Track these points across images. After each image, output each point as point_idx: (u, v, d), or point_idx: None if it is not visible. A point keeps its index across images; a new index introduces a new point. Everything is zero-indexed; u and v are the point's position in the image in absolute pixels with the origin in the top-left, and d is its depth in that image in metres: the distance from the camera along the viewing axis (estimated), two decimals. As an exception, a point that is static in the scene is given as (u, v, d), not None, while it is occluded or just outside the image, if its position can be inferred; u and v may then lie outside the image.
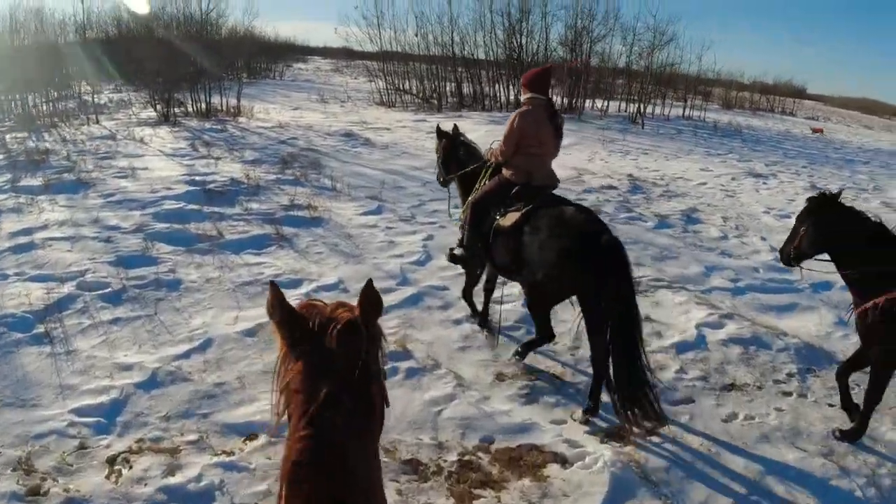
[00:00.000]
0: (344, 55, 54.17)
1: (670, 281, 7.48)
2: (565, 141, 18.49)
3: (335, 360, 1.45)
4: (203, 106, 18.98)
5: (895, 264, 4.05)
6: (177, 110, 18.76)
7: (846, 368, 4.67)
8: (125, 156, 11.97)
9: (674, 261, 8.31)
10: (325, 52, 63.18)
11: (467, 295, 5.64)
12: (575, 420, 4.44)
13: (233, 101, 19.86)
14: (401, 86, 27.40)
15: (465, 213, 5.05)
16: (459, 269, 6.70)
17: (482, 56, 26.99)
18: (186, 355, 4.97)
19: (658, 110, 26.23)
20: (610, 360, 4.08)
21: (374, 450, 1.54)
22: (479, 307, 5.75)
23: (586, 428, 4.37)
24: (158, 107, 17.58)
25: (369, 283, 1.57)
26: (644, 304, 6.67)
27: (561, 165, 14.68)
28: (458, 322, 5.73)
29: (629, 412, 3.97)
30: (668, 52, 26.55)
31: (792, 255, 4.61)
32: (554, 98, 24.99)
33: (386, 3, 33.80)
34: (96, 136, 14.76)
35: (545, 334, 4.65)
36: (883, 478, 4.17)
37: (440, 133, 5.77)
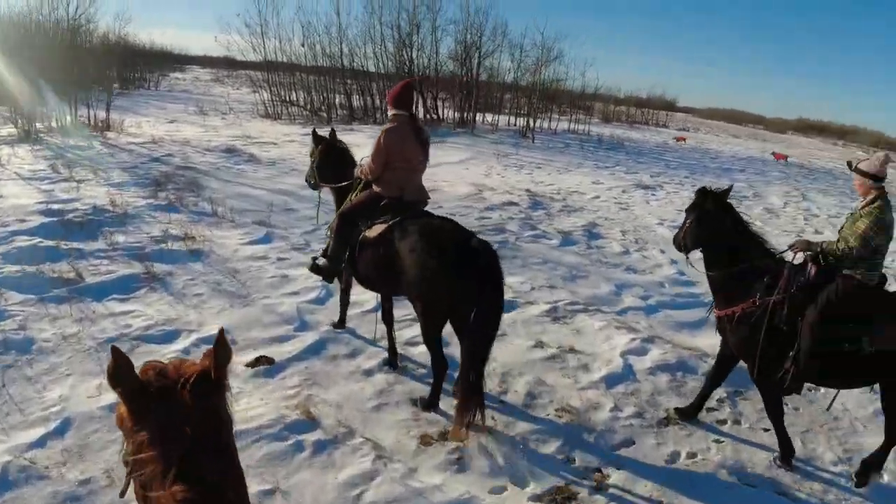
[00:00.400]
0: (225, 65, 51.86)
1: (585, 304, 7.14)
2: (464, 155, 17.59)
3: (188, 418, 1.38)
4: (69, 120, 17.03)
5: (756, 271, 4.22)
6: (39, 125, 16.75)
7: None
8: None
9: (584, 280, 8.01)
10: (205, 62, 60.32)
11: (344, 302, 5.67)
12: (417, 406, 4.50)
13: (102, 115, 18.00)
14: (287, 97, 26.22)
15: (333, 222, 5.00)
16: (366, 306, 6.09)
17: (372, 68, 26.40)
18: (41, 442, 3.87)
19: (546, 124, 26.71)
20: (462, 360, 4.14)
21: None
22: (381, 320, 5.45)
23: (528, 492, 3.79)
24: (21, 124, 15.52)
25: (221, 332, 1.51)
26: (565, 333, 6.31)
27: (461, 180, 14.57)
28: (369, 373, 4.96)
29: (463, 414, 4.07)
30: (554, 69, 27.11)
31: (682, 244, 4.71)
32: (446, 112, 24.56)
33: (270, 11, 32.30)
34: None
35: (439, 364, 4.43)
36: (832, 504, 3.99)
37: (316, 138, 5.67)
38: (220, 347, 1.49)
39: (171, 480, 1.32)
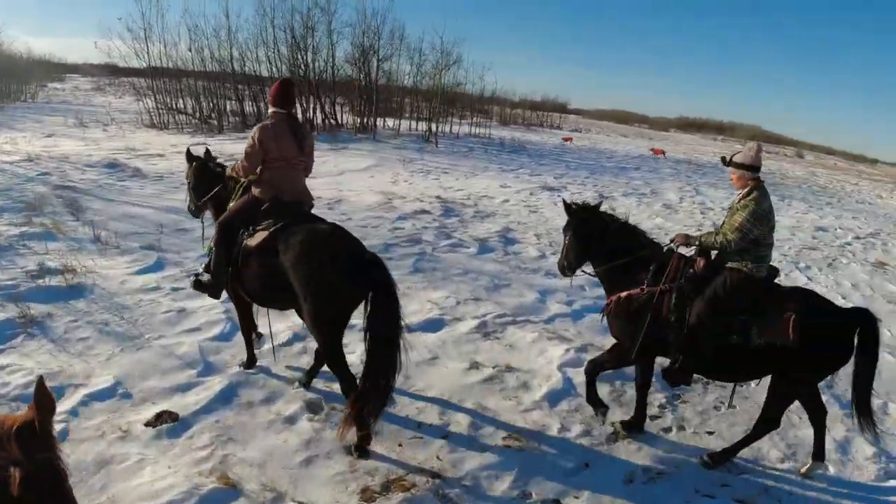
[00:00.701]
0: (107, 72, 48.48)
1: (513, 315, 6.82)
2: (368, 162, 16.93)
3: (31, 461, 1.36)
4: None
5: (643, 261, 4.31)
6: None
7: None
8: None
9: (507, 289, 7.71)
10: (86, 70, 56.05)
11: (247, 335, 4.98)
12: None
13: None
14: (174, 105, 24.59)
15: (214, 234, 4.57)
16: (279, 338, 5.60)
17: (265, 73, 25.22)
18: None
19: (447, 129, 26.56)
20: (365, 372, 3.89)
21: None
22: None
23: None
24: None
25: (40, 380, 1.49)
26: (499, 350, 5.95)
27: (367, 189, 14.02)
28: (291, 420, 4.24)
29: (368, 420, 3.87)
30: (454, 73, 26.98)
31: (566, 265, 4.69)
32: (345, 117, 23.65)
33: (154, 14, 30.23)
34: None
35: (346, 379, 4.04)
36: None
37: (190, 157, 5.24)
38: (42, 397, 1.44)
39: None
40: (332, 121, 25.10)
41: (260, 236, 4.15)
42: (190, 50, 24.49)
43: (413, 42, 39.51)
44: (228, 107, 25.18)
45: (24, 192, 10.84)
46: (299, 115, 24.26)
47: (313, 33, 24.91)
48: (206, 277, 4.65)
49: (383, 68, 26.18)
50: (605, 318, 4.56)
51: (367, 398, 3.77)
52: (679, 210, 15.47)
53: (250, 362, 5.00)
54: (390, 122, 26.95)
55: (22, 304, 5.66)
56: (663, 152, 31.47)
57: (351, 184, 14.16)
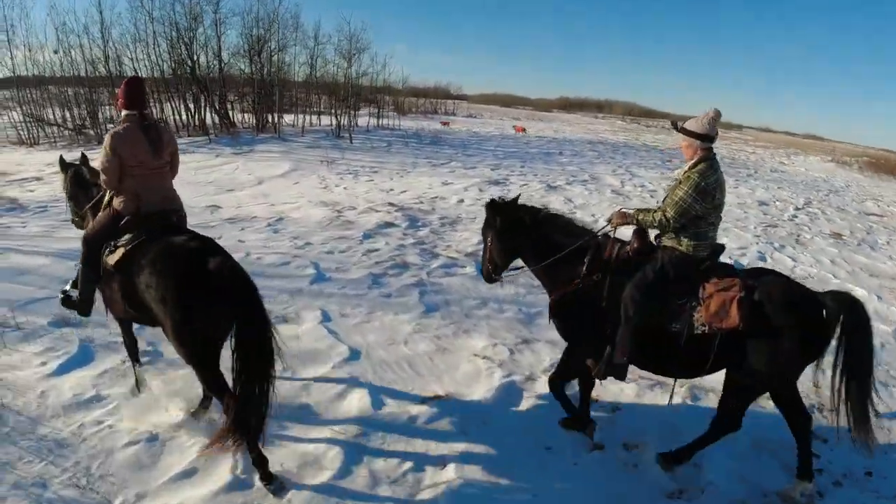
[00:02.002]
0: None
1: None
2: (285, 166, 14.82)
3: None
4: None
5: (579, 252, 3.90)
6: None
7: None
8: None
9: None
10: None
11: (132, 354, 4.50)
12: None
13: None
14: (43, 116, 20.76)
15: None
16: None
17: (145, 73, 21.80)
18: None
19: (351, 122, 24.33)
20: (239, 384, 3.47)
21: None
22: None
23: None
24: None
25: None
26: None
27: (302, 199, 11.86)
28: None
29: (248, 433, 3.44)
30: (361, 62, 24.67)
31: (491, 269, 4.30)
32: (243, 116, 21.13)
33: (17, 14, 25.39)
34: None
35: (221, 395, 3.59)
36: None
37: (64, 165, 4.77)
38: None
39: None
40: (225, 121, 22.22)
41: (116, 255, 3.83)
42: (56, 52, 20.69)
43: (309, 30, 36.34)
44: (106, 113, 21.64)
45: None
46: (185, 120, 21.45)
47: (196, 24, 21.86)
48: (74, 294, 4.27)
49: (283, 59, 23.55)
50: (550, 320, 4.09)
51: (245, 412, 3.41)
52: (631, 196, 14.53)
53: (138, 384, 4.47)
54: (288, 118, 24.35)
55: None
56: (524, 129, 32.51)
57: (278, 194, 11.97)
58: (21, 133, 19.92)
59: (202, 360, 3.61)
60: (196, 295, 3.47)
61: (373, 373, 4.89)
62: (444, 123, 32.18)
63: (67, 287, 4.49)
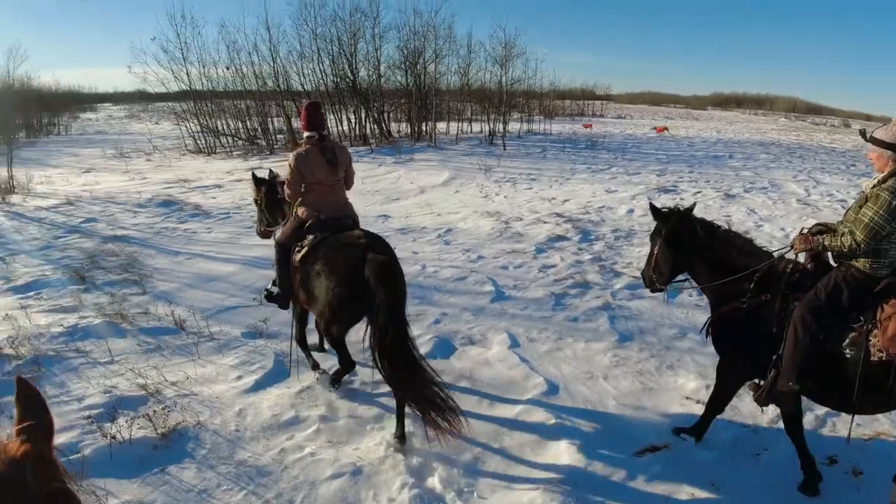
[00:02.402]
0: (139, 99, 47.24)
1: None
2: (444, 174, 14.63)
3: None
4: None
5: (735, 274, 3.64)
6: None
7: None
8: None
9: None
10: (117, 98, 54.78)
11: (301, 341, 5.04)
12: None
13: (3, 173, 14.11)
14: (219, 127, 22.55)
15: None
16: None
17: (310, 87, 22.98)
18: None
19: (502, 127, 24.00)
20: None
21: None
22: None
23: None
24: None
25: (19, 380, 1.25)
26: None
27: (466, 209, 11.66)
28: None
29: (428, 413, 3.68)
30: (514, 67, 24.31)
31: (654, 277, 4.05)
32: (399, 126, 21.53)
33: (189, 32, 28.27)
34: None
35: (345, 360, 4.34)
36: None
37: (257, 180, 5.39)
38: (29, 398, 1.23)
39: None
40: (384, 131, 22.80)
41: (302, 253, 4.34)
42: (227, 68, 22.41)
43: (461, 38, 36.64)
44: (274, 125, 23.07)
45: (68, 249, 8.72)
46: (346, 131, 22.27)
47: (356, 39, 22.63)
48: (275, 290, 4.87)
49: (438, 70, 23.79)
50: (707, 337, 3.88)
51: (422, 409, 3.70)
52: (819, 206, 12.83)
53: (317, 367, 4.95)
54: (441, 126, 24.53)
55: (85, 494, 3.39)
56: (665, 129, 30.22)
57: (442, 204, 11.85)
58: (199, 143, 21.69)
59: (339, 335, 4.19)
60: (353, 283, 3.87)
61: (577, 413, 4.38)
62: (587, 126, 30.99)
63: (269, 285, 5.04)
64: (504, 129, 21.92)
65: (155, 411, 4.18)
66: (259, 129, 22.82)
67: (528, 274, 7.34)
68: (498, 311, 6.17)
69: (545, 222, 9.91)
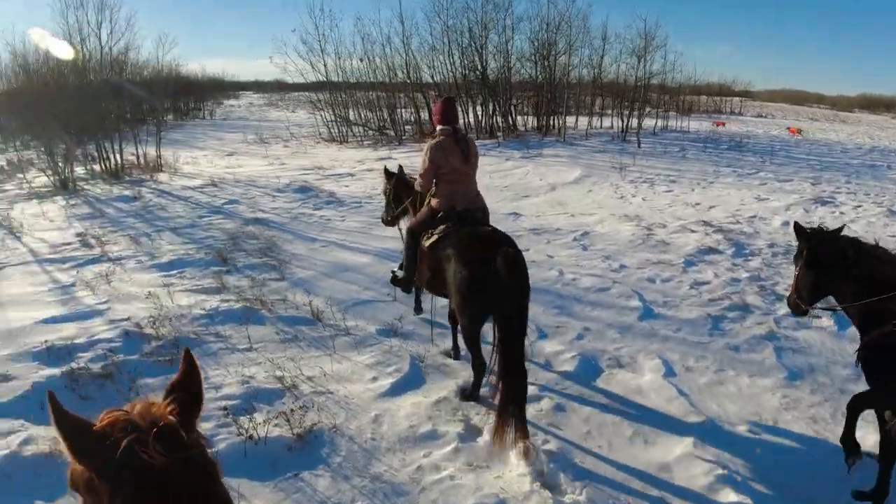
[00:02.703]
0: (277, 88, 49.91)
1: None
2: (575, 171, 13.41)
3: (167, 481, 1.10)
4: (113, 163, 14.18)
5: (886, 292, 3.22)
6: (81, 171, 14.02)
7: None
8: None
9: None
10: (257, 87, 58.18)
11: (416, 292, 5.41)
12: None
13: (153, 152, 15.18)
14: (351, 117, 23.09)
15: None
16: None
17: (440, 79, 22.94)
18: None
19: (635, 124, 22.71)
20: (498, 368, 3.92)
21: None
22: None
23: None
24: (50, 173, 12.73)
25: (187, 351, 1.33)
26: None
27: (603, 210, 10.94)
28: None
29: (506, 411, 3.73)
30: (653, 61, 22.94)
31: (799, 301, 3.71)
32: (526, 119, 20.80)
33: (327, 24, 29.25)
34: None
35: (476, 362, 4.23)
36: None
37: (388, 173, 5.68)
38: (190, 373, 1.28)
39: None
40: (511, 124, 22.31)
41: (433, 239, 4.48)
42: (361, 60, 22.89)
43: (594, 29, 35.31)
44: (403, 116, 23.29)
45: (211, 229, 9.02)
46: (473, 123, 22.01)
47: (487, 31, 22.23)
48: (400, 273, 5.09)
49: (571, 62, 22.93)
50: (858, 363, 3.42)
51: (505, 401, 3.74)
52: None
53: (453, 354, 5.06)
54: (569, 120, 23.61)
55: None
56: (799, 131, 27.72)
57: (574, 203, 11.27)
58: (332, 131, 22.29)
59: (471, 326, 4.15)
60: (483, 277, 3.93)
61: (747, 464, 3.76)
62: (718, 124, 28.83)
63: (395, 268, 5.35)
64: (639, 125, 20.73)
65: (292, 410, 4.05)
66: (388, 120, 23.11)
67: (678, 290, 6.67)
68: (647, 330, 5.60)
69: (692, 231, 9.08)
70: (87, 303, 6.00)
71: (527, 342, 4.04)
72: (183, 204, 11.00)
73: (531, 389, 4.37)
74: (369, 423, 4.07)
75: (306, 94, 29.30)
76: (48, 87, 15.44)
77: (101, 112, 15.18)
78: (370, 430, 3.99)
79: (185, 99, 34.24)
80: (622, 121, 21.47)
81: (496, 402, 3.81)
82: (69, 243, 8.27)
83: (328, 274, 7.04)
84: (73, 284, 6.56)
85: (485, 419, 4.10)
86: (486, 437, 3.91)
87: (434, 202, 4.66)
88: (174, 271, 7.04)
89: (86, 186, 12.79)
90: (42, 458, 3.52)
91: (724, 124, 29.04)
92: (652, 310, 6.07)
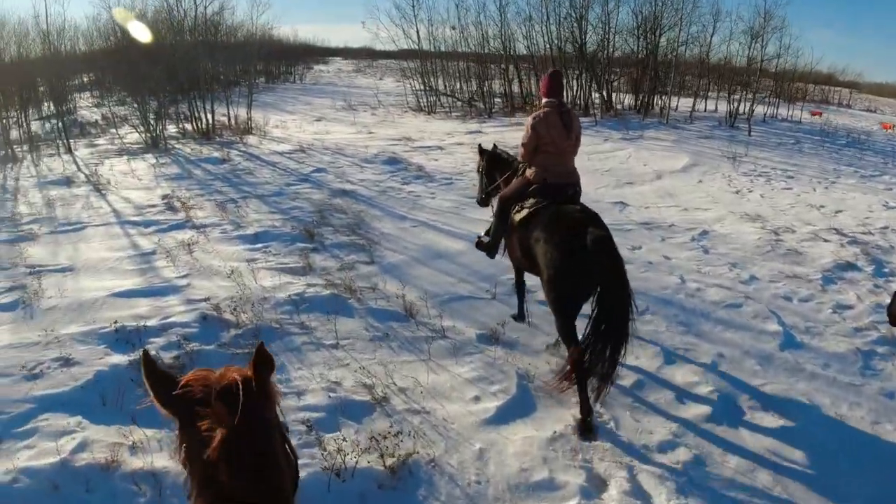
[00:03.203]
0: (365, 55, 49.68)
1: None
2: (682, 159, 12.38)
3: (233, 420, 1.22)
4: (205, 123, 14.08)
5: None
6: (172, 129, 14.02)
7: None
8: (54, 231, 7.13)
9: None
10: (346, 53, 58.16)
11: (517, 287, 5.23)
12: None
13: (243, 114, 15.03)
14: (440, 87, 22.36)
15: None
16: None
17: (537, 51, 21.75)
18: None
19: (746, 108, 20.83)
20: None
21: None
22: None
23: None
24: (142, 129, 12.73)
25: (261, 345, 1.35)
26: None
27: (719, 205, 9.72)
28: None
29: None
30: (769, 43, 20.80)
31: None
32: (623, 98, 19.30)
33: None
34: (49, 178, 10.02)
35: (569, 344, 3.93)
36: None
37: (482, 151, 5.54)
38: (259, 358, 1.33)
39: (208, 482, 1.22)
40: (607, 102, 20.94)
41: (523, 213, 4.41)
42: (453, 28, 22.01)
43: (703, 4, 32.73)
44: (495, 88, 22.31)
45: (298, 199, 8.58)
46: (572, 98, 20.81)
47: (590, 3, 20.76)
48: (486, 239, 5.09)
49: (675, 38, 21.18)
50: None
51: (590, 368, 3.72)
52: None
53: (520, 317, 5.15)
54: (674, 101, 21.90)
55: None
56: (892, 126, 24.29)
57: (685, 196, 10.18)
58: (420, 101, 21.60)
59: (563, 311, 3.94)
60: (572, 257, 3.84)
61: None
62: (815, 113, 26.21)
63: (482, 234, 5.29)
64: (751, 111, 18.96)
65: (384, 435, 3.43)
66: (478, 92, 22.22)
67: (818, 313, 5.67)
68: (792, 364, 4.69)
69: (825, 240, 7.91)
70: (166, 275, 5.62)
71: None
72: (271, 170, 10.65)
73: (663, 432, 3.63)
74: (473, 460, 3.43)
75: (395, 62, 28.75)
76: (144, 46, 15.51)
77: (194, 72, 15.07)
78: (474, 470, 3.35)
79: (277, 63, 34.29)
80: (730, 105, 19.73)
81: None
82: (154, 205, 8.02)
83: (420, 260, 6.43)
84: (153, 252, 6.24)
85: (610, 469, 3.38)
86: (617, 491, 3.18)
87: (529, 172, 4.61)
88: (259, 245, 6.61)
89: (176, 145, 12.69)
90: (97, 470, 3.07)
91: (820, 114, 26.43)
92: (794, 337, 5.13)
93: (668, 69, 20.96)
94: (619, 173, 11.56)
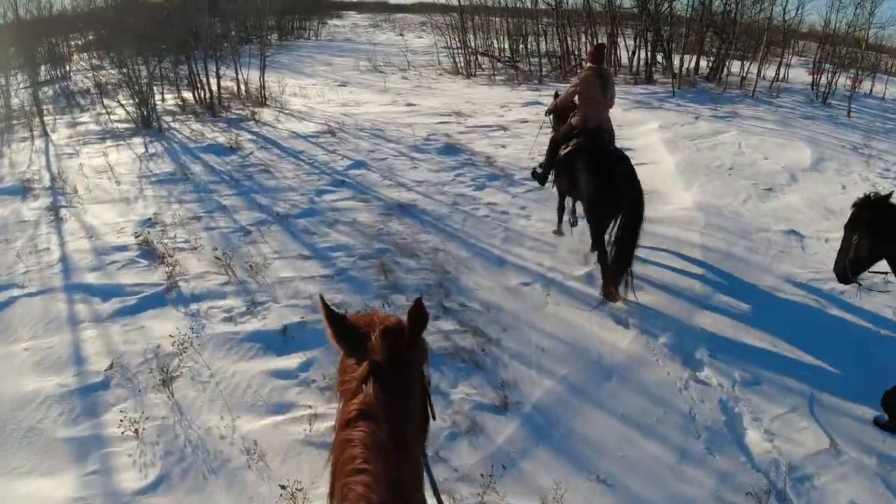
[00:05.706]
0: (380, 9, 46.27)
1: None
2: (807, 153, 10.49)
3: (384, 362, 1.40)
4: (209, 92, 11.27)
5: None
6: (170, 100, 11.34)
7: None
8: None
9: None
10: (360, 7, 54.46)
11: (560, 214, 6.21)
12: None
13: (255, 79, 12.20)
14: (479, 48, 19.34)
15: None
16: None
17: (597, 6, 18.56)
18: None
19: (842, 82, 17.66)
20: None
21: (416, 457, 1.42)
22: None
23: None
24: (130, 104, 10.03)
25: (418, 300, 1.47)
26: None
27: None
28: None
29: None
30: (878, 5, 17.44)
31: (848, 268, 3.95)
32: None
33: None
34: (4, 182, 7.46)
35: (600, 253, 5.05)
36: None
37: (549, 110, 6.43)
38: (415, 313, 1.45)
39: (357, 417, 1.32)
40: (665, 66, 17.85)
41: (567, 149, 5.43)
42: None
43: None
44: (531, 46, 19.28)
45: (338, 224, 5.99)
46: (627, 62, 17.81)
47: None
48: (539, 170, 6.19)
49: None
50: None
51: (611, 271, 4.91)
52: None
53: (559, 231, 6.22)
54: (735, 67, 18.76)
55: None
56: None
57: (843, 210, 7.44)
58: (457, 62, 18.68)
59: (597, 222, 5.03)
60: (604, 186, 4.91)
61: None
62: (856, 81, 22.67)
63: (537, 167, 6.36)
64: (854, 88, 15.90)
65: None
66: (523, 51, 19.20)
67: None
68: None
69: None
70: (121, 485, 3.03)
71: None
72: (293, 164, 7.96)
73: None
74: None
75: (414, 16, 25.49)
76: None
77: (194, 27, 12.17)
78: None
79: (291, 18, 30.93)
80: (817, 76, 16.67)
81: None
82: (125, 247, 5.40)
83: (576, 389, 3.73)
84: (103, 383, 3.60)
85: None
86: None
87: (574, 119, 5.57)
88: (291, 355, 3.92)
89: (173, 124, 9.96)
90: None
91: (862, 81, 22.80)
92: None
93: (760, 32, 17.75)
94: (746, 172, 8.75)
